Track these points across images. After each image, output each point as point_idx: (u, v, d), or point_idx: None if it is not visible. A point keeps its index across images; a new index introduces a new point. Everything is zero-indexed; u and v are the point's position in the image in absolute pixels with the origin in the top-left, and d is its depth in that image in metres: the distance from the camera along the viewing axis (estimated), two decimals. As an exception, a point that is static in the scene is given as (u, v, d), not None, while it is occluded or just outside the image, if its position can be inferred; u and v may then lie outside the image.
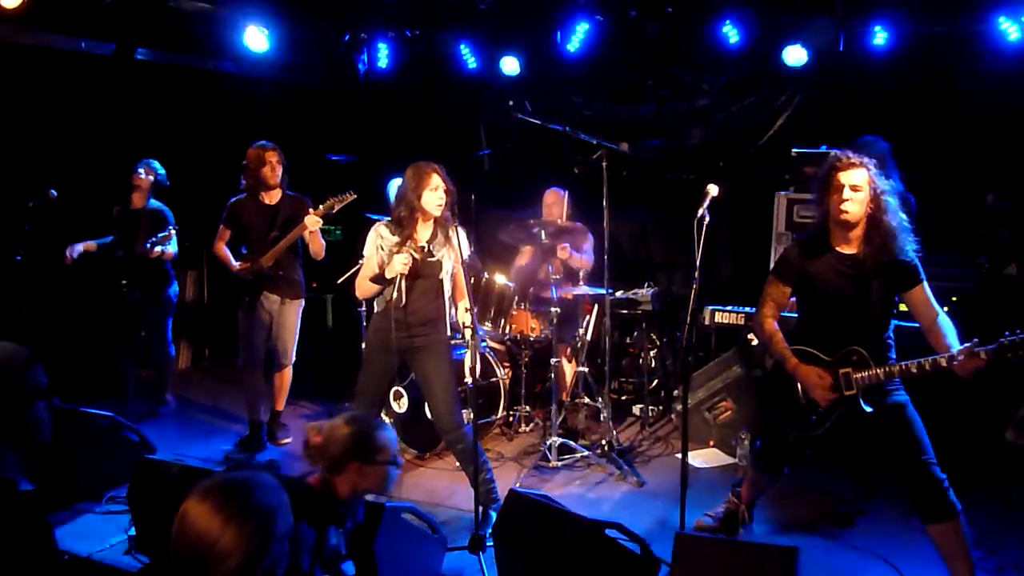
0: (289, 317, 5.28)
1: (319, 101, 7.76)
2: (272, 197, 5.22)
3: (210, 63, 6.99)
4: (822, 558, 3.85)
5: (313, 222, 4.92)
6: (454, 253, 4.07)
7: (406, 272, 3.98)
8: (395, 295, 4.07)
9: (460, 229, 4.04)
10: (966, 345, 3.11)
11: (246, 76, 7.13)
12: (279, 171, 5.20)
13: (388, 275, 3.99)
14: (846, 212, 3.35)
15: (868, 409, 3.37)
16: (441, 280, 4.09)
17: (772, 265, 3.79)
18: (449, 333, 4.19)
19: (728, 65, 6.55)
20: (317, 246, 5.12)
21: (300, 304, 5.35)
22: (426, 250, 4.08)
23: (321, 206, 4.93)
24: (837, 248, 3.46)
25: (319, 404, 6.20)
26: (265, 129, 7.41)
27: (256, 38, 6.33)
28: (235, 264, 5.23)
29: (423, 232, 4.09)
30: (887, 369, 3.31)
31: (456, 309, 4.20)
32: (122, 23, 6.08)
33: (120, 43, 6.28)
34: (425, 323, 4.09)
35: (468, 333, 4.03)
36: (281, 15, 6.53)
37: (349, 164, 7.58)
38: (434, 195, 3.97)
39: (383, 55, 7.18)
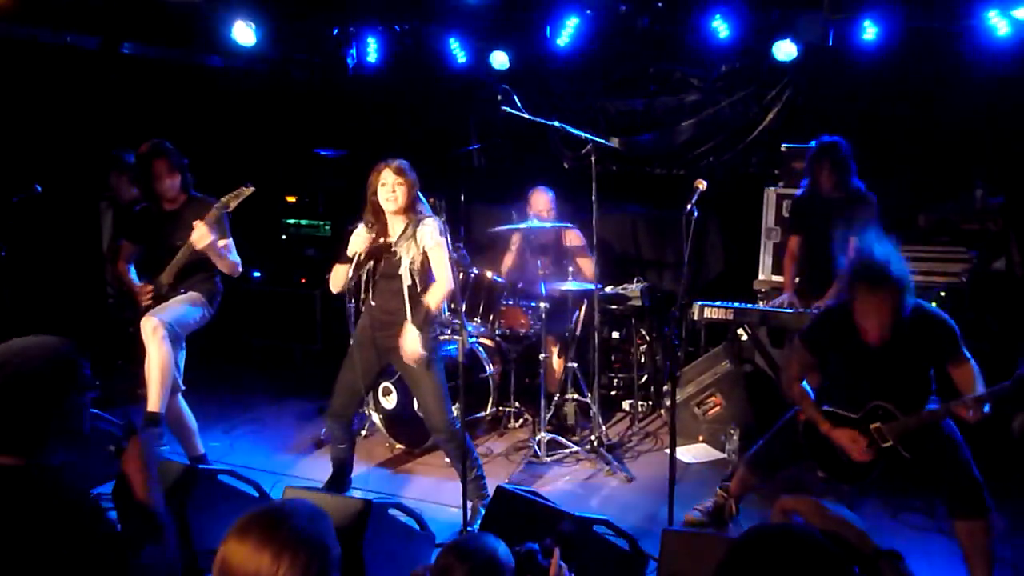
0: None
1: (308, 95, 7.72)
2: (171, 203, 4.45)
3: (197, 57, 6.95)
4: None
5: (200, 238, 4.17)
6: (415, 247, 4.02)
7: (363, 248, 3.98)
8: (368, 292, 4.10)
9: (429, 222, 4.00)
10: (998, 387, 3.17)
11: (234, 70, 7.09)
12: (176, 178, 4.39)
13: (349, 253, 4.00)
14: (870, 332, 3.31)
15: (907, 455, 3.39)
16: (401, 275, 4.04)
17: (801, 330, 3.73)
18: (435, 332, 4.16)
19: (718, 60, 6.54)
20: (223, 265, 4.39)
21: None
22: (391, 246, 4.06)
23: (207, 214, 4.20)
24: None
25: (309, 400, 6.17)
26: (253, 124, 7.41)
27: (244, 32, 6.29)
28: (138, 286, 4.52)
29: (396, 228, 4.08)
30: (918, 417, 3.32)
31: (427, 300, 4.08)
32: (108, 16, 6.03)
33: (106, 37, 6.23)
34: (403, 323, 4.06)
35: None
36: (269, 8, 6.48)
37: (338, 159, 7.55)
38: (383, 190, 3.96)
39: (372, 49, 7.13)
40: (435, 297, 4.02)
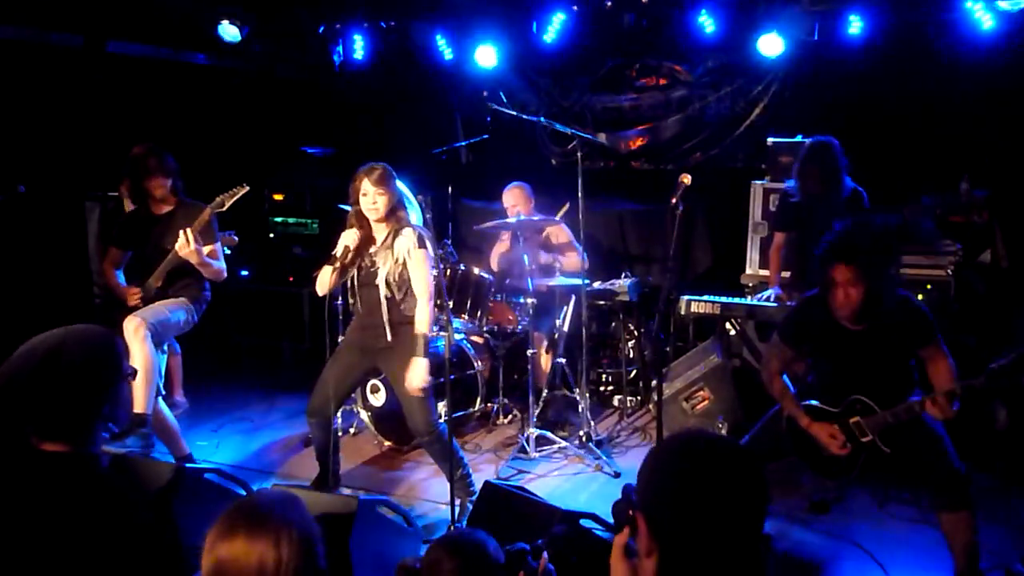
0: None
1: (294, 93, 7.69)
2: (161, 207, 4.50)
3: (183, 55, 6.91)
4: (797, 544, 3.87)
5: (182, 245, 4.13)
6: (391, 257, 3.99)
7: (345, 251, 3.95)
8: (355, 298, 4.10)
9: (407, 232, 3.97)
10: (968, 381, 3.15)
11: (220, 68, 7.05)
12: (168, 182, 4.43)
13: (335, 253, 3.96)
14: (843, 310, 3.30)
15: (887, 450, 3.38)
16: (379, 286, 4.01)
17: (779, 326, 3.72)
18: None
19: (704, 55, 6.56)
20: (207, 272, 4.39)
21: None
22: (372, 253, 4.04)
23: (200, 216, 4.24)
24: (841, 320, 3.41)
25: (297, 398, 6.14)
26: (239, 122, 7.38)
27: (230, 29, 6.26)
28: (124, 288, 4.55)
29: (379, 235, 4.05)
30: (894, 412, 3.31)
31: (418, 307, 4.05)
32: (92, 15, 5.99)
33: (90, 35, 6.19)
34: (385, 328, 4.04)
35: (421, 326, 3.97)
36: (256, 5, 6.46)
37: (325, 156, 7.53)
38: (365, 200, 3.92)
39: (358, 46, 7.12)
40: (423, 319, 3.95)
